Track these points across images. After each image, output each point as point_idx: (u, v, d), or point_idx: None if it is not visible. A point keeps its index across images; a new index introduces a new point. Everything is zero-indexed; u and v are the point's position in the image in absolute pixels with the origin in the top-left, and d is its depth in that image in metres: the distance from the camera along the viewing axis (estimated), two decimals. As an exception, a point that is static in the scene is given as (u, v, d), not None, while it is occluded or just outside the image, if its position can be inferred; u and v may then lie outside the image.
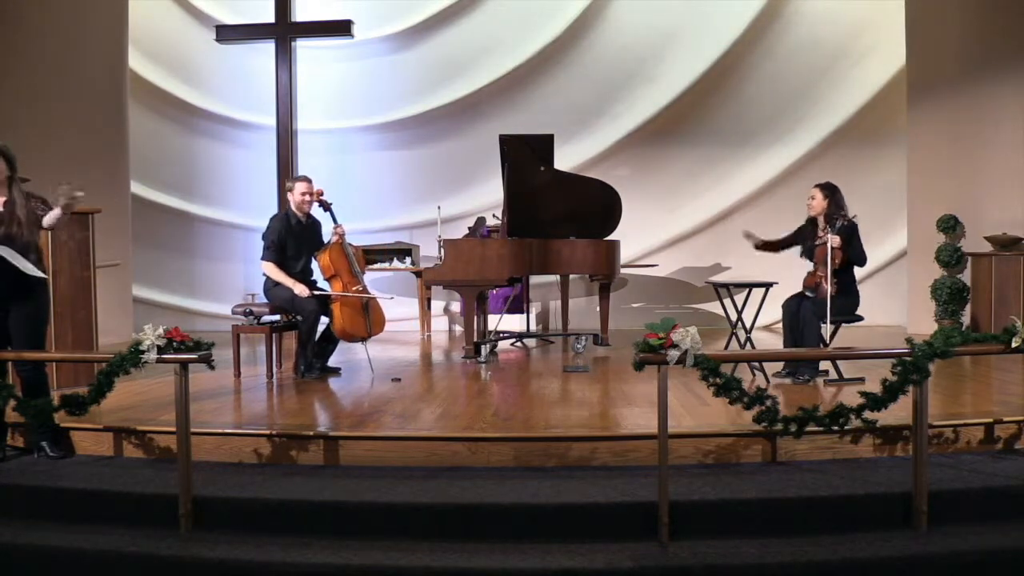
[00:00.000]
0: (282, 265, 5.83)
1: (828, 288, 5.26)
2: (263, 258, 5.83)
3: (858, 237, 5.44)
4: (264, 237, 5.86)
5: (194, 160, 9.76)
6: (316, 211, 6.06)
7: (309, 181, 5.97)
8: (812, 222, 5.62)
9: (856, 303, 5.50)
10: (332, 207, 6.00)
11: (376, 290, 6.30)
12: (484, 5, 9.55)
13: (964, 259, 8.19)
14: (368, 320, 5.88)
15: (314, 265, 5.99)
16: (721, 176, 9.42)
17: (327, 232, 6.06)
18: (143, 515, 3.58)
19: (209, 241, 9.77)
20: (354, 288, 5.84)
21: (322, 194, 5.99)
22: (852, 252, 5.39)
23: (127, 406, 4.72)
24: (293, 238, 5.88)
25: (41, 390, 4.19)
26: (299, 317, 5.82)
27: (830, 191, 5.53)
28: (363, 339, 5.95)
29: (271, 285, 5.87)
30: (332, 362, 6.08)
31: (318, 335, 5.87)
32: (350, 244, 5.99)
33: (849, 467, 3.82)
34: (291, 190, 5.97)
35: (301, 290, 5.73)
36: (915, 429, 3.47)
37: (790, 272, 5.58)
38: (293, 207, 5.95)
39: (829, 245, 5.27)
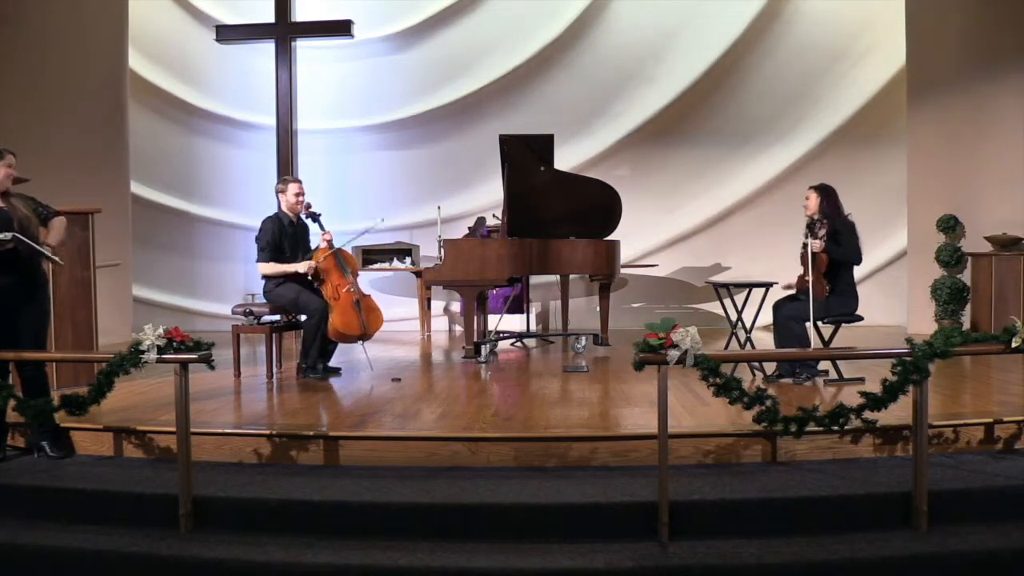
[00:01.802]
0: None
1: (816, 288, 5.24)
2: (259, 260, 5.83)
3: (853, 235, 5.41)
4: (258, 240, 5.85)
5: (194, 160, 9.76)
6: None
7: (300, 182, 6.00)
8: (811, 223, 5.60)
9: (852, 304, 5.45)
10: (320, 217, 6.00)
11: (368, 288, 6.26)
12: (484, 5, 9.55)
13: (964, 259, 8.19)
14: (362, 318, 5.83)
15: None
16: (721, 176, 9.42)
17: (314, 236, 6.06)
18: (143, 515, 3.58)
19: (209, 241, 9.77)
20: (344, 289, 5.82)
21: (310, 206, 6.00)
22: (839, 252, 5.35)
23: (127, 406, 4.72)
24: (287, 238, 5.89)
25: (42, 390, 4.20)
26: (302, 317, 5.82)
27: (824, 192, 5.53)
28: (359, 338, 5.89)
29: (272, 287, 5.86)
30: (332, 362, 6.07)
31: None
32: (340, 248, 6.00)
33: (849, 467, 3.82)
34: (283, 191, 5.97)
35: (307, 267, 5.74)
36: (915, 429, 3.47)
37: (792, 274, 5.57)
38: (285, 208, 5.95)
39: (809, 250, 5.26)
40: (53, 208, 4.41)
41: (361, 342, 5.98)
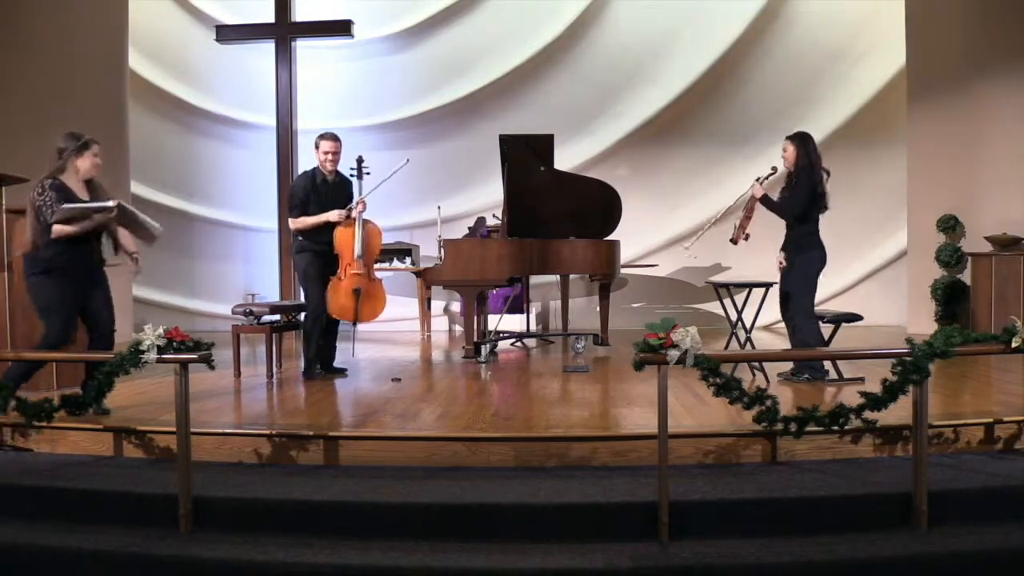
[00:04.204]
0: None
1: (736, 232, 5.31)
2: (290, 217, 5.77)
3: (806, 188, 5.24)
4: (291, 197, 5.80)
5: (194, 160, 9.76)
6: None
7: (335, 139, 5.83)
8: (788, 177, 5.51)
9: (820, 257, 5.31)
10: (366, 176, 5.87)
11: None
12: (484, 5, 9.56)
13: (964, 259, 8.20)
14: (357, 307, 5.76)
15: None
16: (721, 176, 9.41)
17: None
18: (143, 515, 3.58)
19: (209, 241, 9.78)
20: (352, 271, 5.78)
21: (361, 160, 5.93)
22: (772, 204, 5.31)
23: (127, 406, 4.72)
24: (318, 195, 5.74)
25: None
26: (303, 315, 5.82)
27: (801, 140, 5.39)
28: (351, 323, 5.92)
29: (297, 249, 5.78)
30: (336, 363, 6.08)
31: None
32: (368, 221, 5.83)
33: (849, 467, 3.82)
34: (316, 147, 5.83)
35: (338, 214, 5.68)
36: (915, 429, 3.47)
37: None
38: (318, 164, 5.86)
39: (752, 194, 5.28)
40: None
41: (354, 325, 5.98)
